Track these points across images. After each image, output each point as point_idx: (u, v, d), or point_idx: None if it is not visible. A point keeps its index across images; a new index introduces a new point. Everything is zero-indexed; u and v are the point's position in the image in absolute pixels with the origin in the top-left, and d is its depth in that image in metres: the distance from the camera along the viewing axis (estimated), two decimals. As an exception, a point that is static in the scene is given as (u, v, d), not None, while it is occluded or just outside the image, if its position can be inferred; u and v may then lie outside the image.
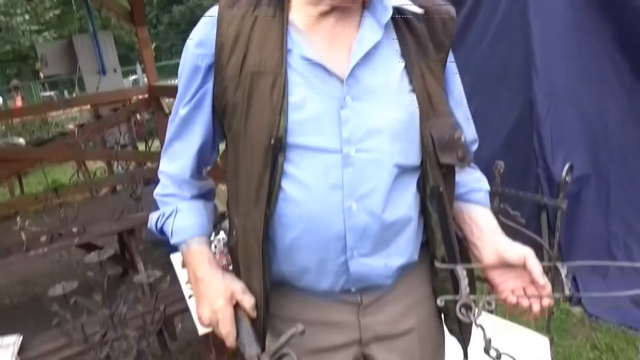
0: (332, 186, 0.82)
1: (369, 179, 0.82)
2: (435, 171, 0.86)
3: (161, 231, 0.97)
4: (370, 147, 0.82)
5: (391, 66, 0.84)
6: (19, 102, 13.33)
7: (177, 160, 0.96)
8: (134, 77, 15.88)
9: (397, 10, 0.84)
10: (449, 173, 0.89)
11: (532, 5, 2.05)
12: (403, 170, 0.84)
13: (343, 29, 0.84)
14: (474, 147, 1.00)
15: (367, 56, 0.82)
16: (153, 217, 0.97)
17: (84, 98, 5.87)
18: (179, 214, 0.94)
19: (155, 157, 4.27)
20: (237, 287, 0.86)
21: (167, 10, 30.91)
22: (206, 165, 0.99)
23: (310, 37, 0.84)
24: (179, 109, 0.93)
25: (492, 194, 1.68)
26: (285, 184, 0.83)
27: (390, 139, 0.82)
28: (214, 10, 0.89)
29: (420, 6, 0.85)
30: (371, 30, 0.83)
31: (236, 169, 0.88)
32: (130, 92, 5.79)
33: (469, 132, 0.96)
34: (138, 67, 13.09)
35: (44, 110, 7.07)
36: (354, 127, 0.81)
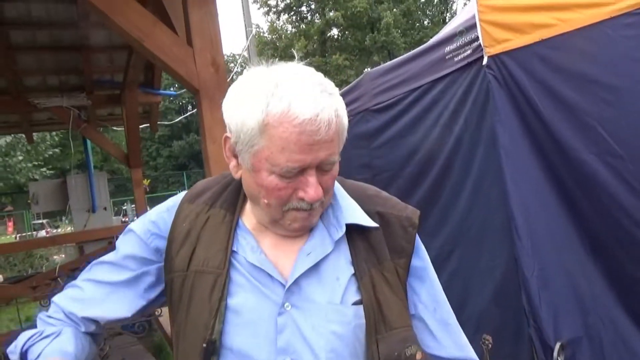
0: None
1: None
2: None
3: (24, 354, 0.85)
4: None
5: (339, 275, 0.83)
6: (10, 229, 13.37)
7: (81, 304, 0.90)
8: (125, 207, 17.50)
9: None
10: None
11: (507, 167, 2.14)
12: None
13: (293, 234, 0.85)
14: None
15: (314, 265, 0.82)
16: (24, 336, 0.86)
17: (70, 235, 5.87)
18: (62, 337, 0.86)
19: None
20: None
21: (167, 145, 32.64)
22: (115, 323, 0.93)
23: (259, 239, 0.85)
24: (115, 260, 0.91)
25: (481, 372, 1.60)
26: None
27: (327, 357, 0.78)
28: (177, 200, 0.92)
29: (379, 212, 0.87)
30: (321, 244, 0.84)
31: None
32: (117, 229, 5.81)
33: (447, 342, 0.88)
34: (129, 203, 14.01)
35: (28, 247, 7.05)
36: (290, 336, 0.78)
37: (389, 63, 3.13)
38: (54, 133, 11.28)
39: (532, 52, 1.89)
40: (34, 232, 16.71)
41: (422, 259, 0.91)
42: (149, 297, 0.91)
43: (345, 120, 0.80)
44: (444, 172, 2.45)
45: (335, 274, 0.83)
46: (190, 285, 0.83)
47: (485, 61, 2.19)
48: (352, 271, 0.83)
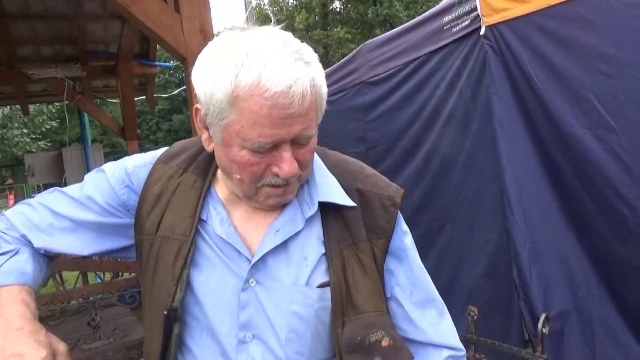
0: None
1: None
2: None
3: None
4: (266, 338, 0.77)
5: (307, 255, 0.80)
6: (11, 201, 13.49)
7: (37, 231, 0.87)
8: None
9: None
10: None
11: (502, 141, 2.11)
12: None
13: (267, 208, 0.83)
14: (447, 354, 0.85)
15: (282, 243, 0.80)
16: None
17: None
18: (20, 256, 0.84)
19: (133, 265, 4.14)
20: (61, 347, 0.77)
21: (168, 118, 32.46)
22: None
23: (230, 210, 0.83)
24: (79, 197, 0.87)
25: (467, 343, 1.60)
26: (181, 357, 0.80)
27: (287, 336, 0.77)
28: (153, 157, 0.89)
29: (358, 190, 0.83)
30: (292, 221, 0.81)
31: (145, 326, 0.85)
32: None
33: (424, 325, 0.84)
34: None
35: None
36: (253, 312, 0.77)
37: (386, 34, 3.06)
38: (51, 105, 11.20)
39: (531, 21, 1.84)
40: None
41: (402, 240, 0.86)
42: (108, 247, 0.89)
43: (323, 90, 0.75)
44: (437, 146, 2.43)
45: (304, 254, 0.80)
46: (157, 250, 0.81)
47: (482, 31, 2.14)
48: (323, 250, 0.81)
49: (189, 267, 0.79)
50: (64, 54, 4.90)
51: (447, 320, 0.88)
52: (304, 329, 0.78)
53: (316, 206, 0.81)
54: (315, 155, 0.85)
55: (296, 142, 0.75)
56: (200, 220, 0.82)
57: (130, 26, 4.07)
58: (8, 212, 0.90)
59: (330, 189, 0.83)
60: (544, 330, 1.40)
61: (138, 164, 0.89)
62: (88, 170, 5.13)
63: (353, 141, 2.99)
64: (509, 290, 2.30)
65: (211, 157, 0.86)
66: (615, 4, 1.57)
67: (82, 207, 0.87)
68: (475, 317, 1.51)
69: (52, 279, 4.74)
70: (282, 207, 0.82)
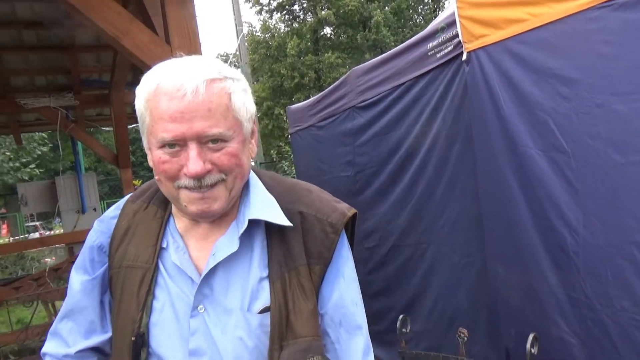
0: None
1: None
2: None
3: None
4: None
5: (250, 278, 0.82)
6: (4, 231, 13.36)
7: (69, 336, 0.89)
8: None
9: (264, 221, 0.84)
10: None
11: (480, 168, 2.14)
12: None
13: (214, 234, 0.85)
14: None
15: (226, 267, 0.81)
16: None
17: (59, 236, 5.86)
18: None
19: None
20: None
21: (161, 144, 32.49)
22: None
23: (186, 237, 0.86)
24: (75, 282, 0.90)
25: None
26: None
27: None
28: (122, 201, 0.95)
29: (301, 213, 0.85)
30: (229, 242, 0.82)
31: (113, 355, 0.86)
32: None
33: (344, 356, 0.84)
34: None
35: (17, 249, 6.99)
36: (201, 340, 0.79)
37: (373, 60, 3.14)
38: (44, 134, 11.20)
39: (504, 47, 1.90)
40: (27, 235, 16.57)
41: (338, 268, 0.86)
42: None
43: (237, 97, 0.80)
44: (421, 170, 2.46)
45: (247, 277, 0.82)
46: (122, 280, 0.84)
47: (464, 57, 2.21)
48: (266, 274, 0.82)
49: (152, 294, 0.82)
50: (57, 84, 4.96)
51: (368, 351, 0.87)
52: (247, 354, 0.79)
53: (246, 223, 0.82)
54: (255, 178, 0.88)
55: (205, 143, 0.78)
56: (161, 249, 0.85)
57: (122, 55, 4.14)
58: (48, 346, 0.91)
59: (263, 207, 0.84)
60: (532, 351, 1.42)
61: (109, 210, 0.95)
62: (82, 198, 5.14)
63: (343, 165, 3.04)
64: (493, 310, 2.30)
65: None
66: (579, 29, 1.62)
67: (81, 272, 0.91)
68: (466, 338, 1.52)
69: (45, 309, 4.69)
70: (224, 231, 0.85)
